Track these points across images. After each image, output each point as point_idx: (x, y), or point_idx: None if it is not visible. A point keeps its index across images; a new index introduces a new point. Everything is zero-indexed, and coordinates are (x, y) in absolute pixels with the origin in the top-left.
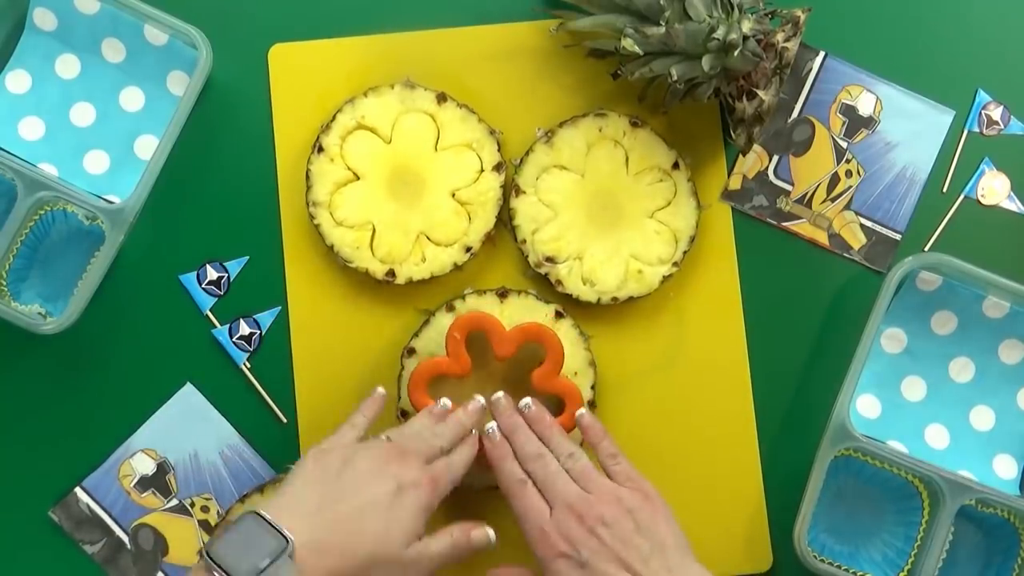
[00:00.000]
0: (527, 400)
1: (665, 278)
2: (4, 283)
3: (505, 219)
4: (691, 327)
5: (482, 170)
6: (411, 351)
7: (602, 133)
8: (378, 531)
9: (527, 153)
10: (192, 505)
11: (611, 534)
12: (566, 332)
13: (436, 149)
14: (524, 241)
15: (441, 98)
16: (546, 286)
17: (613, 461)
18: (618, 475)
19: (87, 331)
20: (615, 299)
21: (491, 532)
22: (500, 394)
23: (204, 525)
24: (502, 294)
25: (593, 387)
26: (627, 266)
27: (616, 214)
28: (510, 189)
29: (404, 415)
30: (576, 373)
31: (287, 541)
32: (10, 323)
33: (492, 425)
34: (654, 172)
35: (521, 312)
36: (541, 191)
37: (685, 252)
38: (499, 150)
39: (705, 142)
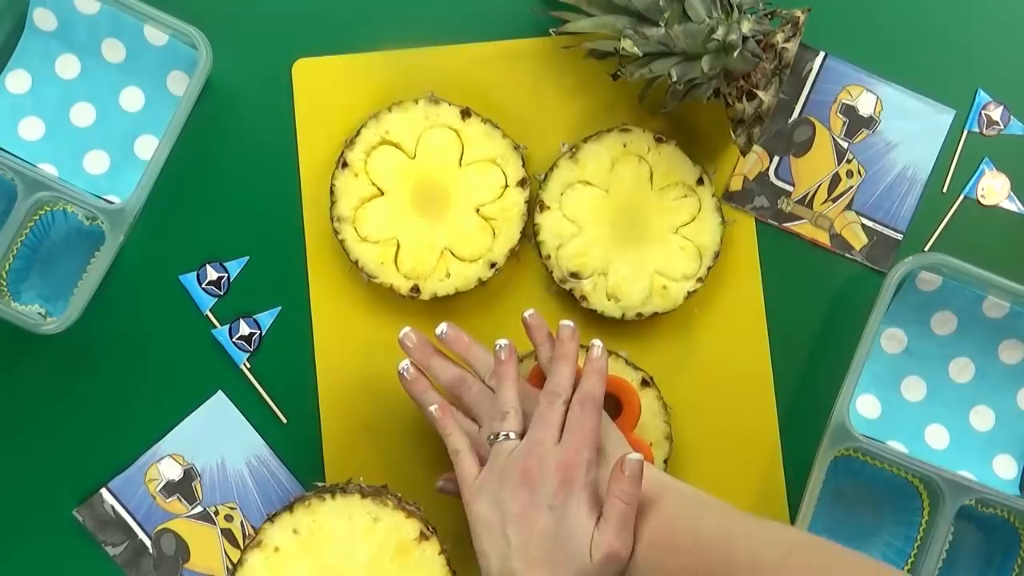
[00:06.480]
0: (442, 326)
1: (690, 294)
2: (4, 283)
3: (530, 234)
4: (716, 341)
5: (506, 185)
6: None
7: (627, 148)
8: None
9: (551, 168)
10: (216, 513)
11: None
12: (648, 401)
13: (460, 164)
14: (549, 257)
15: (465, 113)
16: (571, 302)
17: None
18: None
19: (87, 331)
20: (639, 315)
21: None
22: (407, 329)
23: (227, 534)
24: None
25: (666, 461)
26: (652, 282)
27: (641, 230)
28: (534, 204)
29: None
30: (651, 444)
31: None
32: (10, 323)
33: (404, 364)
34: (679, 188)
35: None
36: (566, 206)
37: (710, 268)
38: (523, 165)
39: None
